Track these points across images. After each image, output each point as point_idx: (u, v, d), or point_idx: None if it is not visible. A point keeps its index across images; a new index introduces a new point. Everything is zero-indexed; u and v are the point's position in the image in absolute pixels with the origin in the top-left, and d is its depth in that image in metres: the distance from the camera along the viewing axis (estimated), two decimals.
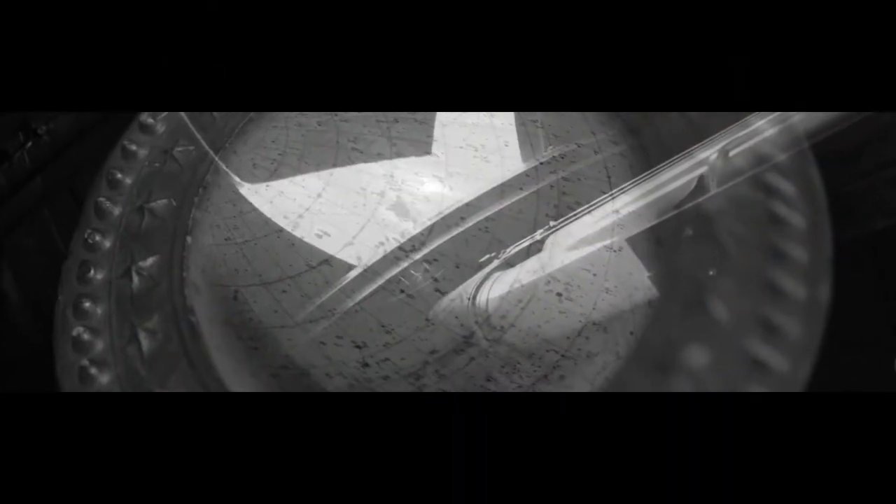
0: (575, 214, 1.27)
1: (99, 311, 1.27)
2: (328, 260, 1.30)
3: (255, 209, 1.39)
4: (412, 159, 1.44)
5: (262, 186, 1.42)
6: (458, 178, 1.38)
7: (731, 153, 1.10)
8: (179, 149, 1.45)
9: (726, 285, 1.07)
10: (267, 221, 1.37)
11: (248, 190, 1.41)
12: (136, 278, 1.29)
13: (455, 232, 1.30)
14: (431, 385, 1.14)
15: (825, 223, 1.11)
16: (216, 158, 1.42)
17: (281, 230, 1.35)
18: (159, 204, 1.38)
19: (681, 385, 1.00)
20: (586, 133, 1.42)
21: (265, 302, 1.27)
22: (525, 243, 1.26)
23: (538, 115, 1.45)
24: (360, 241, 1.32)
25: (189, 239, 1.33)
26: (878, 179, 1.20)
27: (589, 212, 1.26)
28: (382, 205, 1.37)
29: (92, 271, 1.31)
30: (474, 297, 1.22)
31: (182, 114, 1.46)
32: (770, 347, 1.02)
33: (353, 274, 1.27)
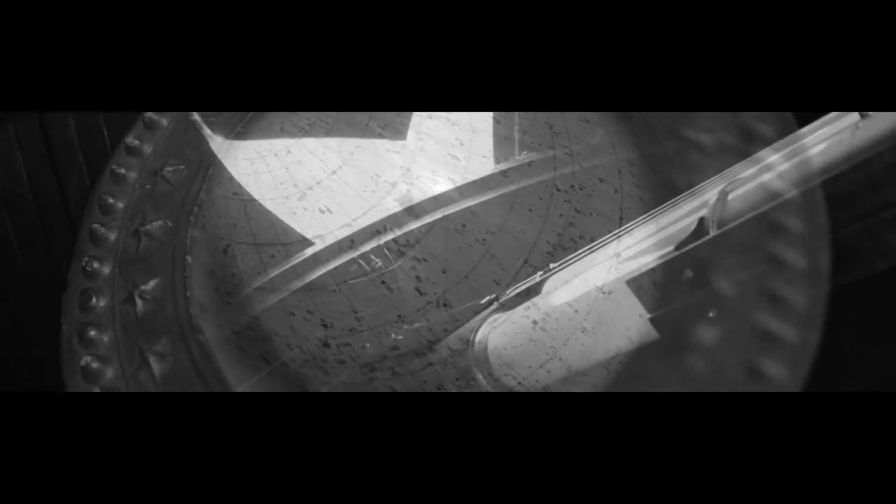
0: (575, 256, 1.23)
1: (105, 338, 1.26)
2: (322, 236, 1.30)
3: (269, 171, 1.41)
4: (433, 157, 1.42)
5: (283, 151, 1.44)
6: (473, 185, 1.36)
7: (731, 196, 1.06)
8: (169, 168, 1.45)
9: (729, 262, 1.10)
10: (277, 186, 1.39)
11: (268, 151, 1.44)
12: (139, 302, 1.28)
13: (452, 237, 1.28)
14: (383, 380, 1.13)
15: (818, 195, 1.13)
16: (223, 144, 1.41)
17: (287, 197, 1.37)
18: (155, 226, 1.37)
19: (694, 363, 1.03)
20: (612, 172, 1.37)
21: (251, 262, 1.28)
22: (525, 285, 1.23)
23: (569, 143, 1.41)
24: (358, 225, 1.32)
25: (189, 258, 1.32)
26: (877, 221, 1.12)
27: (591, 252, 1.22)
28: (391, 195, 1.36)
29: (94, 299, 1.30)
30: (473, 341, 1.19)
31: (196, 116, 1.46)
32: (778, 319, 1.05)
33: (341, 255, 1.27)
